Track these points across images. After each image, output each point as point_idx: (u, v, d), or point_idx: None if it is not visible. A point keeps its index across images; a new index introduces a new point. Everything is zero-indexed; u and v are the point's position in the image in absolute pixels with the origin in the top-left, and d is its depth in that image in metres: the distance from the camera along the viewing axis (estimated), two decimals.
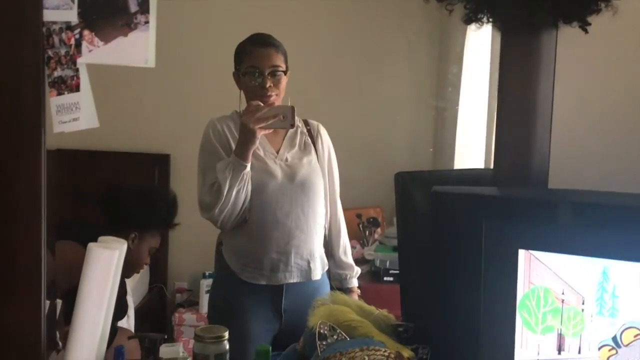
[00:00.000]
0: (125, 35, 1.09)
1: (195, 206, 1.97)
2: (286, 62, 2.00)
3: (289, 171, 1.97)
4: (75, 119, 1.11)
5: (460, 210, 1.03)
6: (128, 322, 2.82)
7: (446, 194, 1.05)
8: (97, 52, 1.10)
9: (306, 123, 2.10)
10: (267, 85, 1.93)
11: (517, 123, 1.12)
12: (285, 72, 1.97)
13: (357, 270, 2.17)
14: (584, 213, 0.95)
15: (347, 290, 2.11)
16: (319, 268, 2.03)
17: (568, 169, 1.14)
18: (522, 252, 0.97)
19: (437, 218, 1.07)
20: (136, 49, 1.09)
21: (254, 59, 1.96)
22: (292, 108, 1.84)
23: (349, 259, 2.14)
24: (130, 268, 2.20)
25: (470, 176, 1.32)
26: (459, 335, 1.05)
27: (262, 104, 1.84)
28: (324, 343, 1.07)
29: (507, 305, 0.98)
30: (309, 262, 1.99)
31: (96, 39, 1.09)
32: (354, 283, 2.15)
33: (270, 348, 1.40)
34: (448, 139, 3.38)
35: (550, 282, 0.96)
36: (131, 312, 2.96)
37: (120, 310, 2.20)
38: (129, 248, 2.16)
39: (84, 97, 1.11)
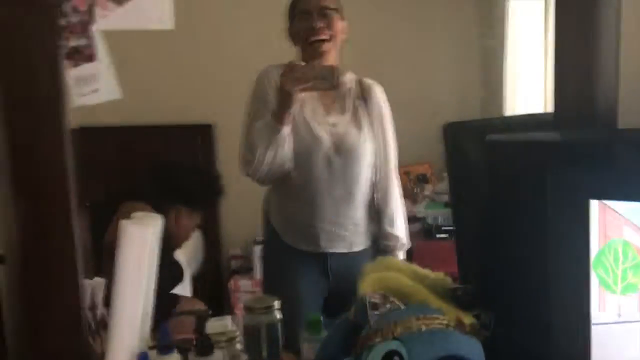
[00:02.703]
0: None
1: (240, 175, 1.93)
2: (340, 6, 1.91)
3: (336, 139, 1.89)
4: (94, 91, 1.04)
5: (519, 160, 0.92)
6: (184, 292, 2.84)
7: (503, 142, 0.94)
8: (110, 17, 1.02)
9: (360, 83, 2.00)
10: (317, 26, 1.84)
11: (579, 54, 0.98)
12: (337, 12, 1.87)
13: (403, 242, 2.04)
14: None
15: None
16: (361, 240, 1.97)
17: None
18: (594, 203, 0.85)
19: (493, 170, 0.96)
20: (152, 9, 1.01)
21: (302, 3, 1.90)
22: (333, 67, 1.74)
23: (396, 231, 2.01)
24: (176, 242, 2.22)
25: (528, 122, 1.20)
26: (526, 299, 0.95)
27: (302, 64, 1.75)
28: (376, 313, 0.99)
29: (580, 264, 0.87)
30: (351, 233, 1.92)
31: (109, 3, 1.01)
32: (398, 256, 2.03)
33: (322, 317, 1.34)
34: (496, 84, 3.17)
35: (630, 235, 0.84)
36: (187, 281, 2.98)
37: (174, 276, 2.23)
38: (177, 223, 2.22)
39: (102, 67, 1.04)
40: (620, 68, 0.97)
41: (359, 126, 1.93)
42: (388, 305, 1.00)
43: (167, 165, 2.34)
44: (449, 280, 1.14)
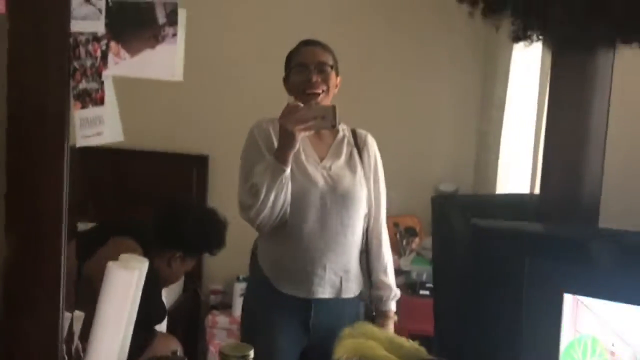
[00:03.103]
0: (153, 47, 1.05)
1: (231, 209, 1.96)
2: (335, 62, 1.97)
3: (331, 181, 1.92)
4: (98, 133, 1.07)
5: (501, 247, 0.95)
6: (159, 327, 2.82)
7: (487, 228, 0.97)
8: (123, 65, 1.05)
9: (354, 133, 2.05)
10: (314, 80, 1.89)
11: (567, 152, 1.03)
12: (332, 68, 1.93)
13: (396, 292, 2.05)
14: None
15: (382, 314, 2.01)
16: (352, 286, 1.97)
17: (622, 206, 1.04)
18: (568, 297, 0.89)
19: (476, 252, 0.99)
20: (163, 61, 1.05)
21: (301, 56, 1.95)
22: (333, 108, 1.78)
23: (389, 279, 2.03)
24: (164, 283, 2.20)
25: (513, 203, 1.23)
26: None
27: (301, 105, 1.78)
28: None
29: (550, 353, 0.90)
30: (341, 279, 1.93)
31: (122, 51, 1.05)
32: (390, 306, 2.04)
33: None
34: (491, 155, 3.27)
35: (599, 332, 0.87)
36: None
37: (158, 316, 2.20)
38: (169, 266, 2.18)
39: (108, 111, 1.07)
40: (605, 171, 1.02)
41: (353, 171, 1.97)
42: None
43: (173, 208, 2.22)
44: (423, 351, 1.16)
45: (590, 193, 1.01)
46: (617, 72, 1.01)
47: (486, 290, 1.00)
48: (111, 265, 1.06)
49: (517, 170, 2.88)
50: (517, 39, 1.06)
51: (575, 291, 0.88)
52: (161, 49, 1.04)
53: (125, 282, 1.05)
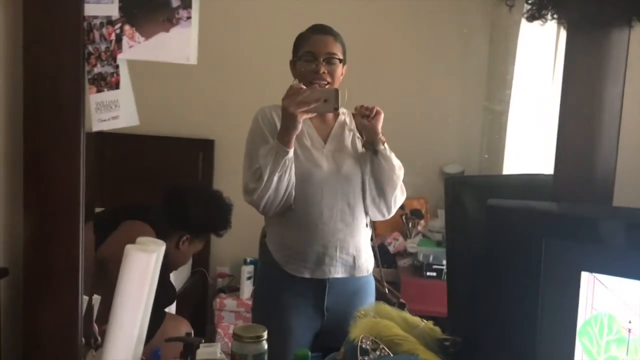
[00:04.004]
0: (167, 30, 1.05)
1: (237, 192, 1.97)
2: (344, 53, 1.97)
3: (336, 163, 1.93)
4: (114, 117, 1.07)
5: (517, 227, 0.96)
6: (169, 307, 2.84)
7: (502, 208, 0.97)
8: (137, 48, 1.06)
9: (355, 117, 2.05)
10: (321, 71, 1.90)
11: (581, 131, 1.03)
12: (340, 61, 1.93)
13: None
14: None
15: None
16: (364, 265, 1.98)
17: (636, 185, 1.05)
18: (585, 275, 0.89)
19: (492, 232, 1.00)
20: (178, 45, 1.05)
21: (310, 44, 1.94)
22: (336, 91, 1.78)
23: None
24: (173, 266, 2.22)
25: (526, 183, 1.23)
26: (513, 358, 0.98)
27: (304, 87, 1.78)
28: (366, 359, 1.01)
29: (567, 331, 0.91)
30: (354, 258, 1.95)
31: (137, 35, 1.05)
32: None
33: (310, 353, 1.36)
34: (499, 137, 3.26)
35: (616, 309, 0.88)
36: None
37: (168, 298, 2.22)
38: (177, 248, 2.21)
39: (124, 95, 1.07)
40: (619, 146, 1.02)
41: (355, 152, 1.98)
42: (377, 352, 1.03)
43: (179, 191, 2.24)
44: (437, 330, 1.17)
45: (604, 172, 1.01)
46: (632, 50, 1.01)
47: (502, 271, 1.01)
48: (130, 248, 1.07)
49: (525, 150, 2.87)
50: (531, 18, 1.06)
51: (593, 269, 0.88)
52: (176, 32, 1.04)
53: (143, 264, 1.06)
